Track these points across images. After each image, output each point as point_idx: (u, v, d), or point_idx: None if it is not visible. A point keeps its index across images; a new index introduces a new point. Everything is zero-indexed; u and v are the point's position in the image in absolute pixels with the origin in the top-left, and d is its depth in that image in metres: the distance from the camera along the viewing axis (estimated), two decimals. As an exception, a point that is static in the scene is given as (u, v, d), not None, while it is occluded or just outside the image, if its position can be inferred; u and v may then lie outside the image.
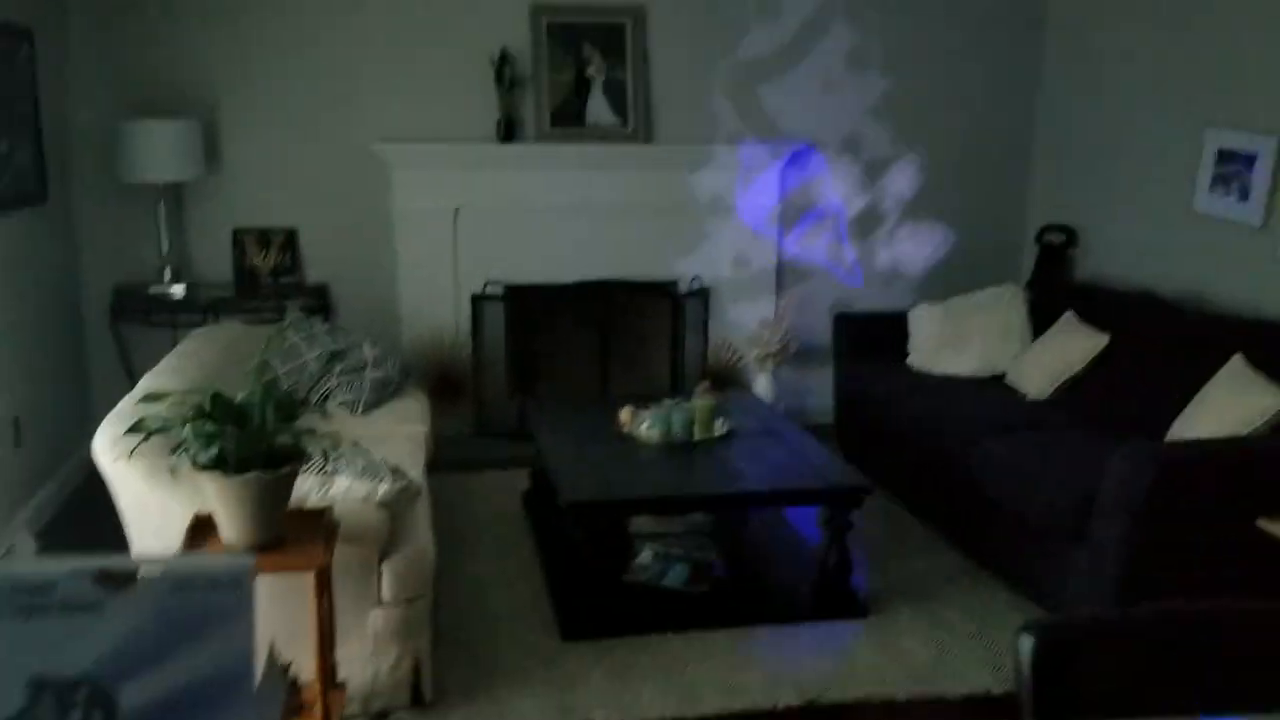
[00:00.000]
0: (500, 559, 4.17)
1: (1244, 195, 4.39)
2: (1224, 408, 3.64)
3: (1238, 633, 1.58)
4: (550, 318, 5.80)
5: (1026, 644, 1.52)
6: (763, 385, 5.73)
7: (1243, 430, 3.52)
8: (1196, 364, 3.96)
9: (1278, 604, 1.62)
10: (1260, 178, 4.30)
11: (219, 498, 2.55)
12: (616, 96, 5.47)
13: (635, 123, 5.49)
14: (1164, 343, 4.27)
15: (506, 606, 3.78)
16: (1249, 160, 4.36)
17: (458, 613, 3.72)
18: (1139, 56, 5.08)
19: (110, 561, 0.85)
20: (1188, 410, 3.80)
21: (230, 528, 2.60)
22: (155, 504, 2.92)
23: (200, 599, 0.86)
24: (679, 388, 5.64)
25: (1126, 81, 5.18)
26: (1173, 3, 4.85)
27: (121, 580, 0.87)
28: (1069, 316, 4.78)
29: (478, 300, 5.54)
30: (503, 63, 5.26)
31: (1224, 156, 4.51)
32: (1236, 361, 3.79)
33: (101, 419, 3.14)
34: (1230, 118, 4.49)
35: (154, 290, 5.02)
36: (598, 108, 5.47)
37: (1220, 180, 4.54)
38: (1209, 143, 4.59)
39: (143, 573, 0.88)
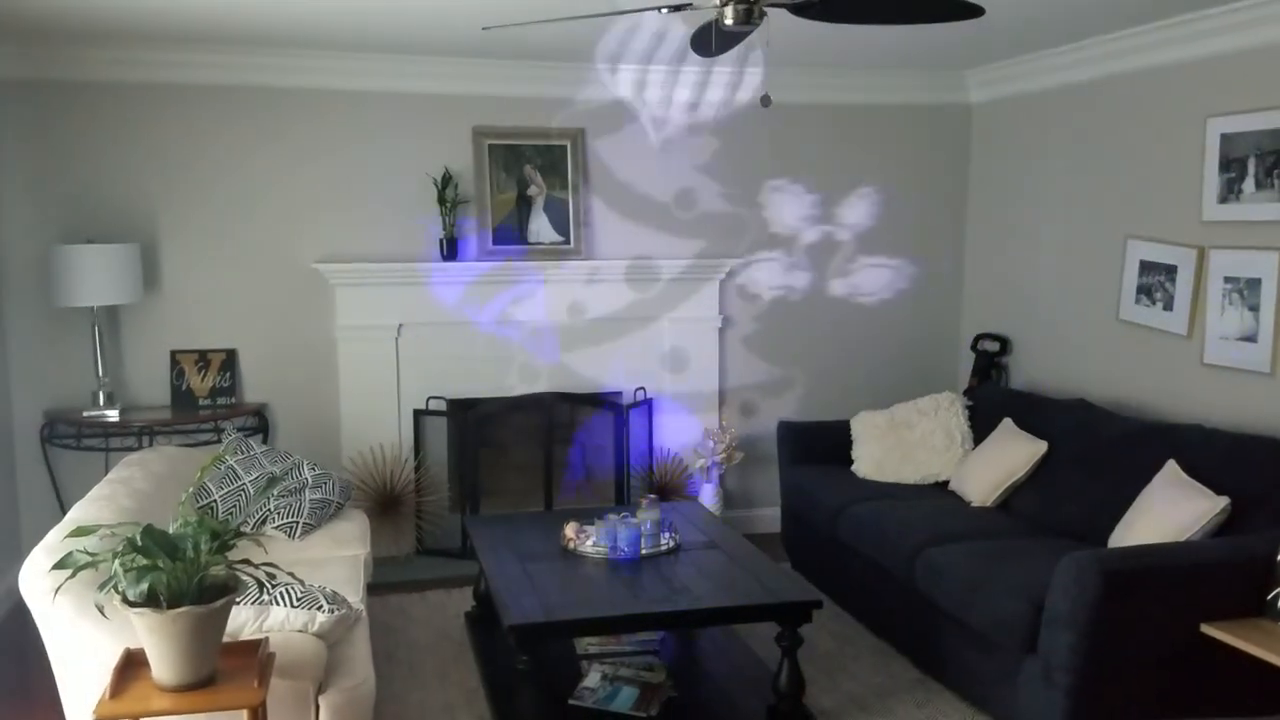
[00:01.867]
0: (443, 685, 4.05)
1: (1168, 305, 4.54)
2: (1162, 513, 3.69)
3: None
4: (494, 432, 5.76)
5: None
6: (709, 495, 5.71)
7: (1182, 535, 3.57)
8: (1133, 469, 4.03)
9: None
10: (1182, 288, 4.45)
11: (149, 634, 2.47)
12: (558, 214, 5.55)
13: (577, 240, 5.57)
14: (1100, 449, 4.34)
15: (450, 736, 3.66)
16: (1170, 271, 4.52)
17: (400, 744, 3.59)
18: (1062, 170, 5.28)
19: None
20: (1127, 516, 3.85)
21: (161, 665, 2.51)
22: (84, 641, 2.80)
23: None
24: (624, 499, 5.62)
25: (1051, 193, 5.37)
26: (1091, 121, 5.07)
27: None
28: (1007, 424, 4.86)
29: (420, 415, 5.50)
30: (445, 183, 5.33)
31: (1147, 267, 4.67)
32: (1171, 467, 3.86)
33: (30, 546, 3.04)
34: (1151, 230, 4.66)
35: (87, 414, 4.91)
36: (540, 225, 5.54)
37: (1144, 290, 4.69)
38: (1132, 254, 4.76)
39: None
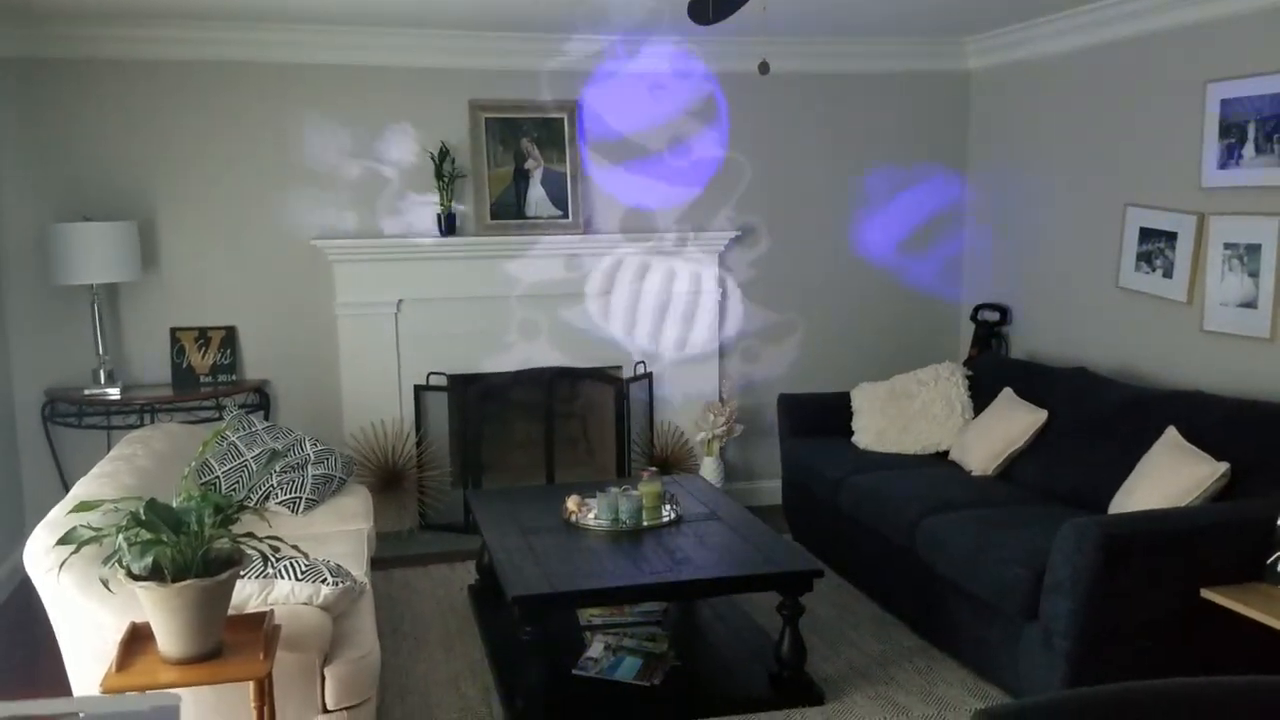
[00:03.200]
0: (447, 657, 4.08)
1: (1168, 272, 4.53)
2: (1163, 479, 3.70)
3: (1196, 711, 1.58)
4: (494, 406, 5.77)
5: (982, 732, 1.51)
6: (709, 468, 5.73)
7: (1182, 501, 3.58)
8: (1133, 436, 4.04)
9: (1233, 680, 1.63)
10: (1182, 255, 4.45)
11: (155, 608, 2.48)
12: (556, 188, 5.54)
13: (575, 213, 5.56)
14: (1100, 417, 4.35)
15: (455, 707, 3.68)
16: (1170, 238, 4.51)
17: (405, 716, 3.61)
18: (1061, 138, 5.26)
19: (23, 707, 0.82)
20: (1127, 483, 3.86)
21: (167, 638, 2.52)
22: (89, 615, 2.82)
23: (128, 741, 0.82)
24: (625, 472, 5.63)
25: (1050, 162, 5.36)
26: (1090, 87, 5.04)
27: (44, 727, 0.83)
28: (1008, 393, 4.86)
29: (421, 391, 5.50)
30: (442, 157, 5.31)
31: (1146, 234, 4.66)
32: (1171, 433, 3.87)
33: (33, 524, 3.05)
34: (1151, 197, 4.65)
35: (88, 392, 4.92)
36: (537, 199, 5.52)
37: (1144, 258, 4.68)
38: (1131, 221, 4.75)
39: (68, 717, 0.84)
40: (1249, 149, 4.11)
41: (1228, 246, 4.22)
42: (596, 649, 3.93)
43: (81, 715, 0.82)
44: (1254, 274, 4.11)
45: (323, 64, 5.22)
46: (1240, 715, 1.61)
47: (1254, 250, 4.10)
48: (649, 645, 3.96)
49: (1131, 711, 1.59)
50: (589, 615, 4.18)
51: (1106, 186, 4.94)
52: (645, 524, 4.07)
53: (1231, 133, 4.18)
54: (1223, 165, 4.23)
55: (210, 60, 5.10)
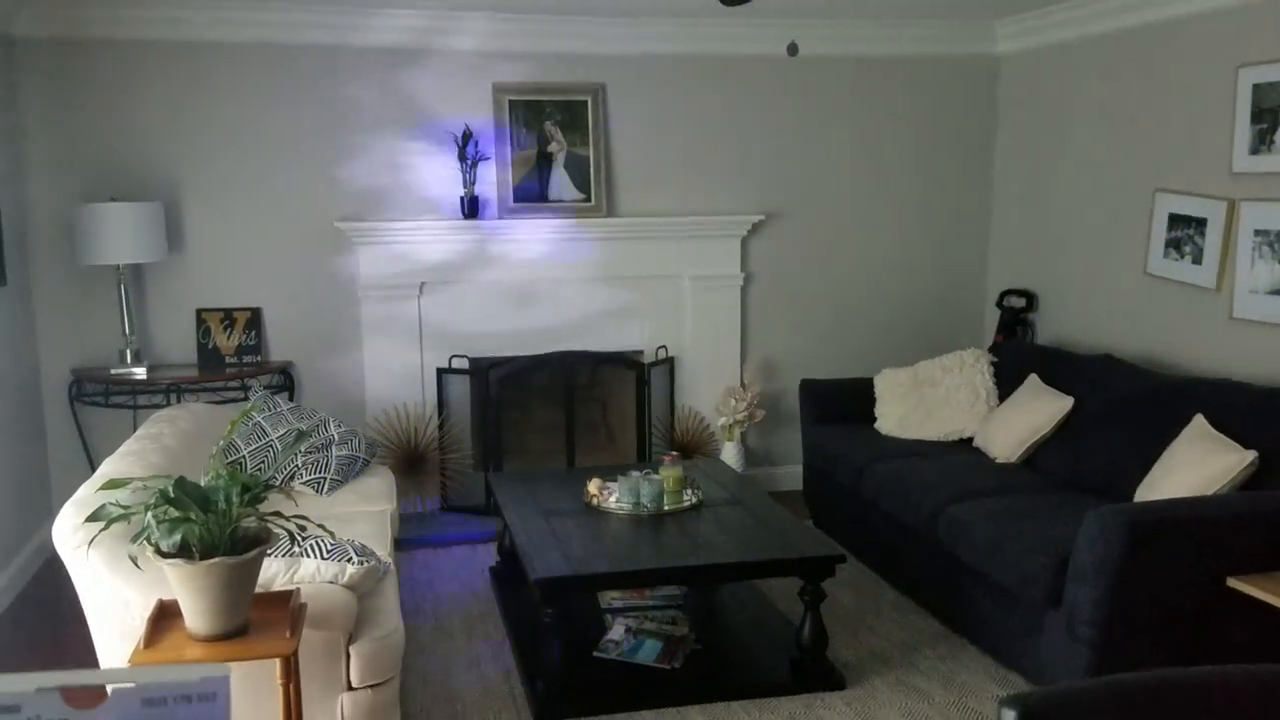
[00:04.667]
0: (469, 637, 4.10)
1: (1197, 258, 4.49)
2: (1189, 467, 3.67)
3: (1222, 700, 1.57)
4: (516, 390, 5.78)
5: (1009, 717, 1.51)
6: (730, 453, 5.72)
7: (1209, 489, 3.55)
8: (1159, 425, 4.01)
9: (1259, 668, 1.62)
10: (1212, 241, 4.40)
11: (183, 585, 2.50)
12: (579, 171, 5.53)
13: (598, 197, 5.55)
14: (1126, 404, 4.31)
15: (477, 687, 3.70)
16: (1200, 224, 4.47)
17: (428, 695, 3.64)
18: (1091, 123, 5.21)
19: (78, 677, 0.82)
20: (1154, 471, 3.83)
21: (195, 615, 2.54)
22: (117, 592, 2.85)
23: (174, 713, 0.83)
24: (646, 457, 5.63)
25: (1079, 147, 5.31)
26: (1120, 72, 4.99)
27: (90, 697, 0.83)
28: (1033, 380, 4.83)
29: (443, 374, 5.52)
30: (465, 140, 5.31)
31: (1176, 220, 4.62)
32: (1199, 422, 3.83)
33: (61, 503, 3.08)
34: (1181, 183, 4.60)
35: (115, 372, 4.96)
36: (560, 183, 5.52)
37: (1173, 244, 4.64)
38: (1160, 207, 4.70)
39: (112, 687, 0.85)
40: (1281, 135, 4.06)
41: (1258, 233, 4.18)
42: (617, 631, 3.94)
43: (131, 684, 0.83)
44: (1285, 261, 4.06)
45: (349, 46, 5.22)
46: (1268, 705, 1.60)
47: (1285, 237, 4.05)
48: (670, 628, 3.97)
49: (1159, 699, 1.58)
50: (610, 598, 4.20)
51: (1136, 172, 4.90)
52: (666, 508, 4.07)
53: (1263, 118, 4.13)
54: (1254, 150, 4.18)
55: (237, 42, 5.11)
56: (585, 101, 5.50)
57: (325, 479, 4.27)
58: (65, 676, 0.81)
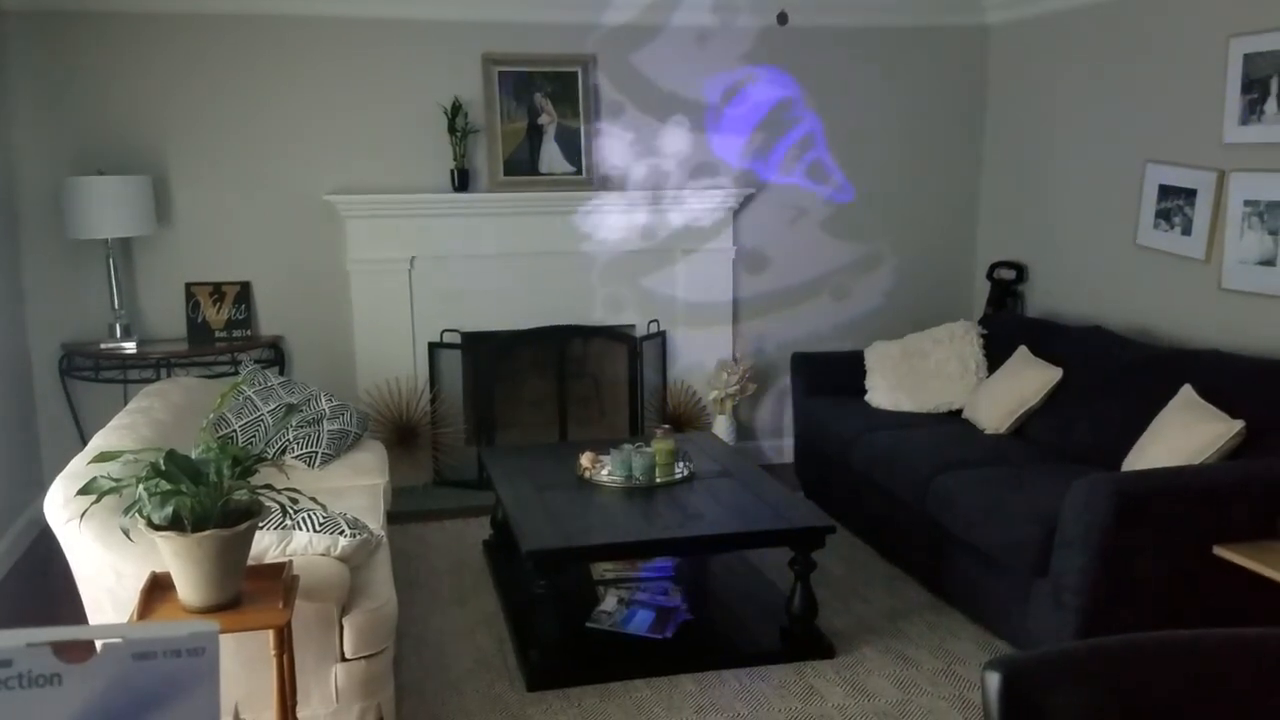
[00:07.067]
0: (462, 609, 4.12)
1: (1186, 229, 4.50)
2: (1177, 437, 3.70)
3: (1205, 661, 1.59)
4: (508, 364, 5.78)
5: (993, 680, 1.53)
6: (722, 426, 5.74)
7: (1196, 459, 3.58)
8: (1147, 395, 4.03)
9: (1242, 631, 1.64)
10: (1201, 212, 4.41)
11: (175, 557, 2.51)
12: (569, 144, 5.51)
13: (588, 169, 5.53)
14: (1115, 375, 4.34)
15: (470, 658, 3.73)
16: (1189, 195, 4.47)
17: (421, 666, 3.66)
18: (1080, 93, 5.21)
19: (68, 632, 0.83)
20: (1141, 440, 3.86)
21: (187, 587, 2.55)
22: (109, 565, 2.85)
23: (162, 667, 0.84)
24: (638, 431, 5.65)
25: (1069, 118, 5.30)
26: (1110, 42, 4.98)
27: (80, 651, 0.84)
28: (1022, 351, 4.85)
29: (435, 348, 5.51)
30: (455, 112, 5.29)
31: (1166, 191, 4.62)
32: (1186, 391, 3.86)
33: (51, 477, 3.08)
34: (1170, 153, 4.61)
35: (104, 346, 4.95)
36: (551, 155, 5.50)
37: (1163, 215, 4.65)
38: (1150, 178, 4.71)
39: (102, 643, 0.86)
40: (1271, 105, 4.06)
41: (1248, 204, 4.19)
42: (610, 602, 3.96)
43: (120, 640, 0.84)
44: (1274, 232, 4.08)
45: (337, 16, 5.19)
46: (1251, 666, 1.62)
47: (1274, 207, 4.07)
48: (661, 599, 3.99)
49: (1145, 662, 1.60)
50: (602, 570, 4.22)
51: (1125, 143, 4.90)
52: (658, 481, 4.09)
53: (1254, 88, 4.13)
54: (1244, 121, 4.19)
55: (225, 14, 5.07)
56: (575, 73, 5.48)
57: (317, 453, 4.28)
58: (56, 632, 0.82)
